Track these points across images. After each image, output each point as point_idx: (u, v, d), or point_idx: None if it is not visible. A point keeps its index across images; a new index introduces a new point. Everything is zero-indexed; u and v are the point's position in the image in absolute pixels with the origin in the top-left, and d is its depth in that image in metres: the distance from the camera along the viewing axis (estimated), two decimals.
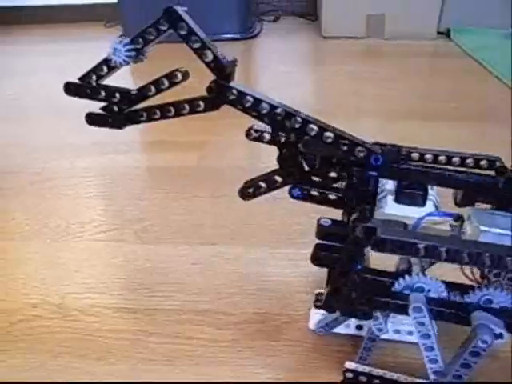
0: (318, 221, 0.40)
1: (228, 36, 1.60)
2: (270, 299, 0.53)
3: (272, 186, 0.40)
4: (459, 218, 0.38)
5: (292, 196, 0.40)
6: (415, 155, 0.43)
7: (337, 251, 0.39)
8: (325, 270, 0.40)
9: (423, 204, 0.39)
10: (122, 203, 0.72)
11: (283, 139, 0.38)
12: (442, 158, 0.44)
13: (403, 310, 0.35)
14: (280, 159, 0.39)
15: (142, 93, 0.37)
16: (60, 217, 0.69)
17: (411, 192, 0.39)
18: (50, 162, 0.86)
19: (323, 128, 0.37)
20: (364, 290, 0.38)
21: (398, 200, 0.39)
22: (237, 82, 0.36)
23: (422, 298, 0.35)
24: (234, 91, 0.36)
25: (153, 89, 0.36)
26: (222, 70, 0.36)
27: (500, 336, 0.33)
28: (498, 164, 0.44)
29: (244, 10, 1.64)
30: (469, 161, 0.44)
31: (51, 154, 0.89)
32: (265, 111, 0.36)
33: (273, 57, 1.55)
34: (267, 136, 0.39)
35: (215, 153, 0.88)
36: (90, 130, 0.42)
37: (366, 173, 0.38)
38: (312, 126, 0.37)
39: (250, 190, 0.41)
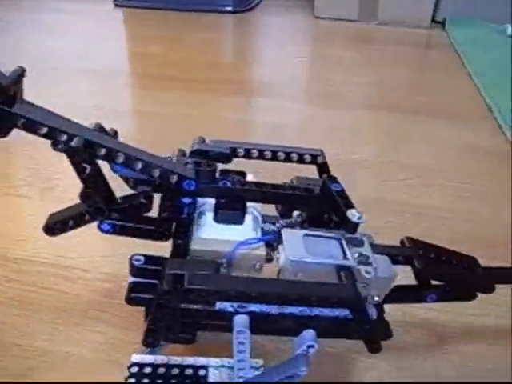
0: (131, 259, 0.37)
1: (221, 8, 1.60)
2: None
3: (80, 222, 0.38)
4: (275, 240, 0.38)
5: (102, 231, 0.38)
6: (240, 151, 0.45)
7: (153, 290, 0.35)
8: None
9: (242, 222, 0.38)
10: (43, 164, 0.78)
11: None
12: (267, 153, 0.46)
13: (226, 328, 0.33)
14: (84, 196, 0.36)
15: None
16: None
17: (229, 211, 0.38)
18: None
19: (131, 156, 0.35)
20: (184, 319, 0.35)
21: (216, 220, 0.38)
22: (25, 101, 0.32)
23: (246, 321, 0.32)
24: (22, 120, 0.32)
25: None
26: (3, 93, 0.31)
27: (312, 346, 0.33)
28: (319, 160, 0.46)
29: None
30: (293, 155, 0.47)
31: None
32: (63, 139, 0.33)
33: (261, 34, 1.56)
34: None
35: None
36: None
37: (179, 200, 0.37)
38: (119, 154, 0.34)
39: (57, 226, 0.39)
